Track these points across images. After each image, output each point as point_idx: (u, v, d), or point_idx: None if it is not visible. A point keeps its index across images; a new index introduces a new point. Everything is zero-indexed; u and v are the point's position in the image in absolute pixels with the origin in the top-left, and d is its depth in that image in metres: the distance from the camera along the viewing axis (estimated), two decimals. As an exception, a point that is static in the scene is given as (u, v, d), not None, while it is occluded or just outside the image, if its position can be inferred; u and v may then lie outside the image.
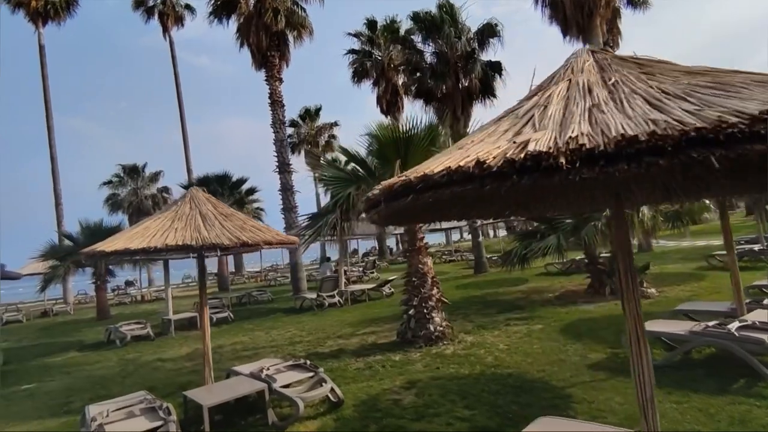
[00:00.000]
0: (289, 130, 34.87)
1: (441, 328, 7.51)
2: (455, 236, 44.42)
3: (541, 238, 11.31)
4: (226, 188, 21.78)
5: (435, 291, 7.74)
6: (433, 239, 48.76)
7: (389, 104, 24.60)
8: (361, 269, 20.51)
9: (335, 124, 35.73)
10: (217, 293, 20.26)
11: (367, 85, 25.12)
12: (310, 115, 34.18)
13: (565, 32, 19.00)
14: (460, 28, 17.56)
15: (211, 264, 32.72)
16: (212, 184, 21.16)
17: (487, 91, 18.16)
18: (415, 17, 17.79)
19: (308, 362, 5.40)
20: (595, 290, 10.37)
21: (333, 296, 12.69)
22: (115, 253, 4.12)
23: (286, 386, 4.87)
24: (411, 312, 7.50)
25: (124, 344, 10.01)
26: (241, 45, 18.20)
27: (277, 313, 12.77)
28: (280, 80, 17.80)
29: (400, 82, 24.60)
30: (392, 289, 14.15)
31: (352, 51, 24.53)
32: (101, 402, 4.85)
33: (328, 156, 32.27)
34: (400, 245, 41.34)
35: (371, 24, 23.99)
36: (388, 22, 23.81)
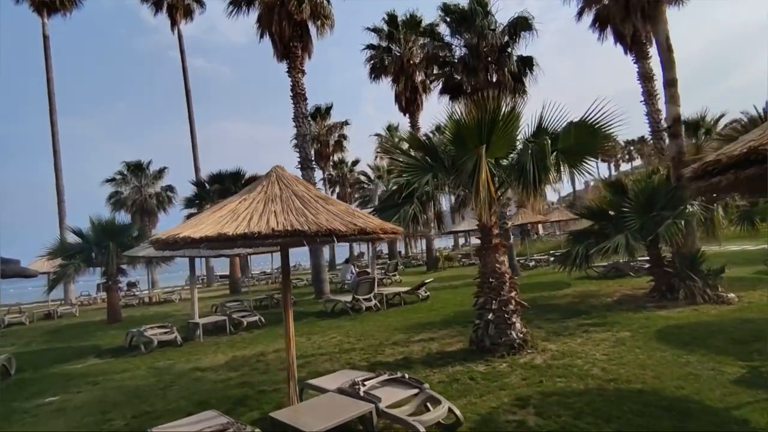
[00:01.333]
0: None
1: (522, 335, 6.68)
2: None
3: (596, 238, 10.60)
4: (239, 186, 20.86)
5: (513, 293, 6.90)
6: (441, 243, 48.04)
7: (408, 102, 23.87)
8: (382, 272, 19.63)
9: (346, 123, 34.97)
10: (228, 296, 19.32)
11: (385, 82, 24.41)
12: (320, 113, 33.35)
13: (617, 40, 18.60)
14: (490, 20, 16.83)
15: (220, 264, 31.75)
16: (226, 181, 20.30)
17: (518, 86, 17.40)
18: (446, 8, 17.01)
19: (406, 375, 4.55)
20: (661, 294, 9.57)
21: (370, 299, 11.81)
22: (206, 240, 3.25)
23: (393, 406, 4.00)
24: (490, 317, 6.65)
25: (150, 350, 9.07)
26: (261, 36, 17.41)
27: (309, 317, 11.86)
28: (303, 72, 17.02)
29: (419, 79, 23.93)
30: (428, 293, 13.31)
31: (370, 46, 23.76)
32: (166, 425, 3.95)
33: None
34: (402, 249, 40.48)
35: (391, 18, 23.25)
36: (409, 16, 23.16)
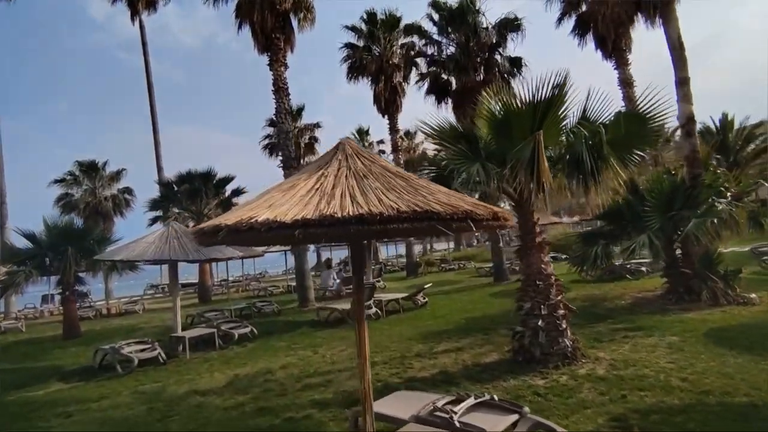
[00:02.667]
0: (268, 130, 32.68)
1: (573, 343, 6.06)
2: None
3: (607, 238, 10.28)
4: (210, 187, 19.44)
5: (561, 297, 6.28)
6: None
7: (387, 103, 23.23)
8: (365, 277, 18.70)
9: (317, 125, 33.85)
10: (199, 306, 17.76)
11: (363, 82, 23.67)
12: (291, 114, 32.00)
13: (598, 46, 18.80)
14: (480, 19, 16.53)
15: (186, 271, 29.73)
16: (196, 181, 18.80)
17: (508, 86, 17.12)
18: (435, 5, 16.56)
19: (496, 397, 3.76)
20: (678, 296, 9.30)
21: (370, 306, 10.91)
22: (303, 224, 2.32)
23: (501, 439, 3.20)
24: (539, 323, 5.97)
25: (129, 371, 7.74)
26: (240, 27, 16.24)
27: (302, 327, 10.80)
28: (285, 65, 15.96)
29: (398, 80, 23.37)
30: (426, 299, 12.56)
31: (349, 45, 22.99)
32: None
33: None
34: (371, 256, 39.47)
35: (371, 17, 22.60)
36: (388, 15, 22.60)
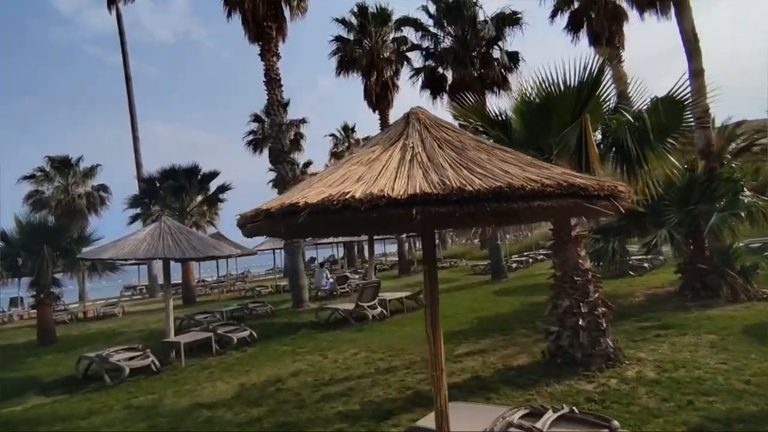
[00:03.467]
0: (253, 126, 31.72)
1: (614, 343, 5.65)
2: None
3: (617, 234, 10.03)
4: (195, 182, 18.52)
5: (598, 294, 5.87)
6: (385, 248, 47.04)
7: (378, 98, 22.65)
8: (360, 276, 18.13)
9: (303, 121, 33.08)
10: (185, 308, 16.86)
11: (354, 77, 23.04)
12: (284, 106, 31.08)
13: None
14: (478, 12, 16.14)
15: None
16: (181, 178, 17.88)
17: (504, 82, 16.82)
18: (433, -4, 16.10)
19: (575, 409, 3.27)
20: (694, 292, 9.06)
21: (375, 306, 10.35)
22: (366, 203, 1.76)
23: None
24: (579, 322, 5.54)
25: (120, 381, 6.99)
26: (229, 15, 15.42)
27: (302, 329, 10.16)
28: (278, 55, 15.22)
29: (389, 74, 22.85)
30: (430, 298, 12.06)
31: (339, 38, 22.33)
32: None
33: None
34: (345, 254, 38.78)
35: (362, 10, 22.00)
36: (379, 10, 22.05)
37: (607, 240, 9.94)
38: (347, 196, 1.82)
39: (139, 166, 23.80)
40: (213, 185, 19.70)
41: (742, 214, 7.91)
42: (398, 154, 2.30)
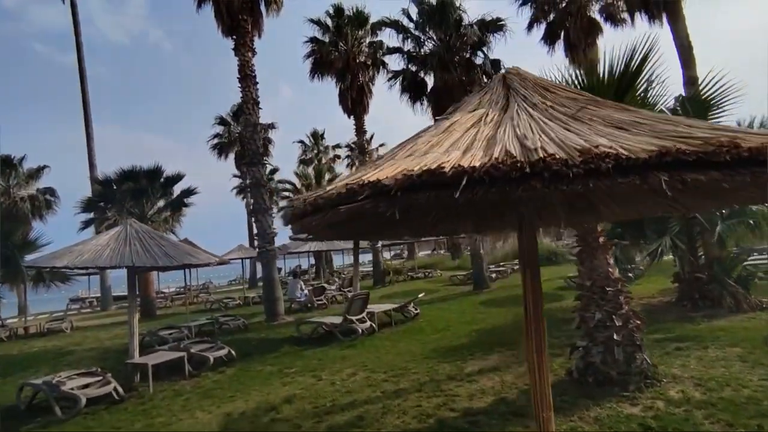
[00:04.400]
0: (218, 129, 30.32)
1: (650, 360, 5.19)
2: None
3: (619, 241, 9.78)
4: (157, 186, 17.14)
5: (629, 306, 5.41)
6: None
7: (354, 102, 22.03)
8: (337, 287, 17.24)
9: (272, 126, 31.95)
10: (144, 322, 15.38)
11: (328, 81, 22.34)
12: (258, 105, 29.82)
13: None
14: (462, 16, 15.90)
15: (121, 281, 26.53)
16: (142, 180, 16.49)
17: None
18: (418, -1, 15.70)
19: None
20: (694, 302, 8.89)
21: (364, 320, 9.57)
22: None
23: None
24: (615, 337, 5.04)
25: (75, 413, 5.86)
26: (200, 5, 14.43)
27: (283, 346, 9.22)
28: (253, 51, 14.32)
29: (366, 79, 22.31)
30: (418, 309, 11.42)
31: (314, 40, 21.61)
32: None
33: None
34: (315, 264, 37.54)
35: (338, 12, 21.41)
36: (355, 12, 21.55)
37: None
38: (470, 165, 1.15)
39: (92, 166, 21.95)
40: (177, 189, 18.39)
41: (751, 222, 7.79)
42: (495, 117, 1.66)
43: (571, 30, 19.38)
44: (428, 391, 5.57)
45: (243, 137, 30.22)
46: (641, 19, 13.45)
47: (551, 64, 22.87)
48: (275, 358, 8.25)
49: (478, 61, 16.48)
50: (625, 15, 19.35)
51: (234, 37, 14.14)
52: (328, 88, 21.36)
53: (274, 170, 39.05)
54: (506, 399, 5.06)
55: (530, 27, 20.60)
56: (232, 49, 14.22)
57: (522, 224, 2.38)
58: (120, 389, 6.35)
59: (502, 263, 22.37)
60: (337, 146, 39.78)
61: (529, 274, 2.36)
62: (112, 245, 6.64)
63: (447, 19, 15.50)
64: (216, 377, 7.20)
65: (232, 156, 30.76)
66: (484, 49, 15.79)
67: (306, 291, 16.42)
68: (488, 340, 8.04)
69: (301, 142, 37.96)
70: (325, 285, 16.53)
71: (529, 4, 20.10)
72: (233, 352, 8.05)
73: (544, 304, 9.37)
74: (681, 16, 9.77)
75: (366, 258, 47.30)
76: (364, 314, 9.67)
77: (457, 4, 15.72)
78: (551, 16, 20.51)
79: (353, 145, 40.68)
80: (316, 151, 38.37)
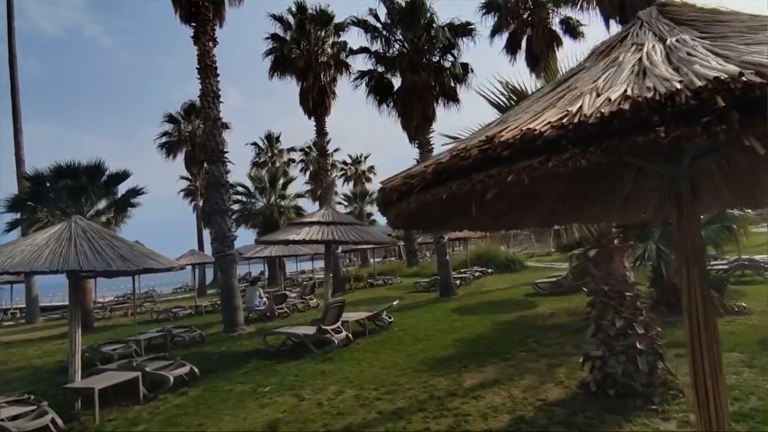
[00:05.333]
0: (167, 126, 28.37)
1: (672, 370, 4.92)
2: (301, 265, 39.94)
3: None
4: (99, 184, 15.49)
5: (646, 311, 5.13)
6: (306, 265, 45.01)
7: (315, 103, 21.27)
8: (298, 294, 16.27)
9: (226, 126, 30.22)
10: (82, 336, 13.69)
11: (288, 80, 21.45)
12: (195, 111, 28.14)
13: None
14: (434, 18, 15.67)
15: (48, 290, 24.01)
16: (81, 177, 14.85)
17: (453, 93, 16.44)
18: (385, -2, 15.29)
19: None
20: (671, 307, 8.94)
21: (339, 330, 8.84)
22: None
23: None
24: (638, 345, 4.71)
25: (0, 454, 4.73)
26: (154, -15, 13.21)
27: (251, 361, 8.30)
28: (215, 41, 13.28)
29: (328, 79, 21.62)
30: (391, 318, 10.82)
31: (275, 37, 20.70)
32: None
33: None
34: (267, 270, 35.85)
35: (300, 9, 20.64)
36: (319, 11, 20.87)
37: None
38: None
39: (20, 162, 19.59)
40: (122, 188, 16.71)
41: (734, 227, 7.92)
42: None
43: (534, 40, 19.84)
44: (432, 411, 4.99)
45: (194, 135, 28.62)
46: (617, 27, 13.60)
47: (513, 72, 23.18)
48: (244, 374, 7.34)
49: (447, 64, 16.31)
50: (583, 29, 20.20)
51: (193, 24, 13.05)
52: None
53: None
54: (524, 418, 4.58)
55: (493, 35, 20.91)
56: (191, 36, 13.11)
57: (681, 205, 1.87)
58: (59, 421, 5.26)
59: (462, 270, 22.29)
60: (292, 149, 38.62)
61: (695, 275, 1.84)
62: (52, 246, 5.55)
63: (417, 20, 15.21)
64: (178, 400, 6.22)
65: (181, 157, 28.83)
66: (454, 52, 15.53)
67: (265, 299, 15.37)
68: (476, 351, 7.59)
69: (255, 144, 36.45)
70: (287, 292, 15.53)
71: (493, 13, 20.45)
72: (196, 370, 7.05)
73: (517, 313, 9.07)
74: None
75: (317, 264, 46.07)
76: (339, 324, 8.94)
77: (428, 5, 15.46)
78: (511, 26, 20.95)
79: (309, 149, 39.78)
80: (270, 154, 36.99)
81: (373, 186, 45.93)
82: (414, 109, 15.45)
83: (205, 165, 12.90)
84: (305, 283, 19.54)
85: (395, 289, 20.82)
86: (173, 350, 10.02)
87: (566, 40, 20.17)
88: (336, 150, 38.40)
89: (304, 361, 7.92)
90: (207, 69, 12.90)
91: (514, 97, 5.32)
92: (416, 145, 16.28)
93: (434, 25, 15.03)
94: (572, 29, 19.97)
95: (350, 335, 8.98)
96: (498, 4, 19.99)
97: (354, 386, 6.16)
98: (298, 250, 17.39)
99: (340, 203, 38.39)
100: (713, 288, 8.58)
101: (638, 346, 4.71)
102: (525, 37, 20.55)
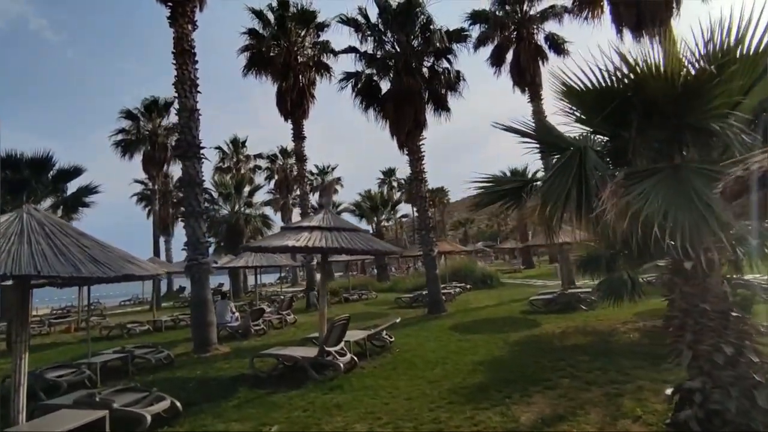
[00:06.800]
0: (124, 123, 26.06)
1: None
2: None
3: (609, 263, 9.19)
4: (46, 179, 13.55)
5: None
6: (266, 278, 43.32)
7: (294, 105, 20.08)
8: (275, 309, 14.75)
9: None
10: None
11: (264, 79, 20.16)
12: (157, 108, 26.06)
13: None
14: (429, 20, 15.01)
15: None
16: (23, 170, 12.91)
17: (444, 100, 15.77)
18: (380, -2, 14.47)
19: None
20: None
21: (344, 352, 7.64)
22: None
23: None
24: (757, 378, 3.92)
25: None
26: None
27: (239, 389, 6.92)
28: (194, 23, 11.93)
29: (307, 80, 20.51)
30: (392, 338, 9.71)
31: (253, 32, 19.44)
32: None
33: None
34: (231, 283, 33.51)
35: (282, 4, 19.54)
36: (300, 10, 19.84)
37: (603, 269, 9.01)
38: None
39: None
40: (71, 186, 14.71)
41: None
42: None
43: (522, 53, 19.72)
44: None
45: (155, 133, 26.41)
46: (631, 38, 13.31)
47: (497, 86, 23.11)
48: (236, 408, 6.00)
49: (439, 70, 15.66)
50: (567, 46, 20.34)
51: (170, 4, 11.66)
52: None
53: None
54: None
55: (477, 46, 20.66)
56: (167, 17, 11.70)
57: None
58: (178, 403, 3.79)
59: (442, 285, 21.45)
60: (259, 156, 36.86)
61: None
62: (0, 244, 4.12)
63: (413, 21, 14.51)
64: (160, 446, 4.83)
65: (137, 158, 26.46)
66: (450, 57, 14.91)
67: (237, 314, 13.84)
68: (508, 377, 6.62)
69: (219, 148, 34.47)
70: (265, 307, 14.03)
71: (479, 24, 20.20)
72: (178, 404, 5.63)
73: (523, 332, 8.06)
74: (671, 38, 9.71)
75: (271, 278, 43.84)
76: (342, 344, 7.75)
77: (423, 5, 14.78)
78: (497, 38, 20.80)
79: (275, 156, 38.10)
80: (235, 160, 35.08)
81: (341, 197, 44.72)
82: (406, 114, 14.61)
83: (180, 162, 11.32)
84: (282, 297, 17.99)
85: (373, 304, 19.68)
86: (136, 375, 8.44)
87: (551, 55, 20.26)
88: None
89: (306, 390, 6.67)
90: (184, 54, 11.51)
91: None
92: (405, 152, 15.42)
93: (431, 26, 14.31)
94: (557, 45, 20.07)
95: (355, 358, 7.80)
96: (486, 15, 19.82)
97: (386, 424, 5.03)
98: (275, 260, 15.90)
99: (308, 213, 36.79)
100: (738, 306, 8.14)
101: (755, 377, 3.93)
102: (511, 51, 20.46)
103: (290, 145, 38.23)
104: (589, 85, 4.44)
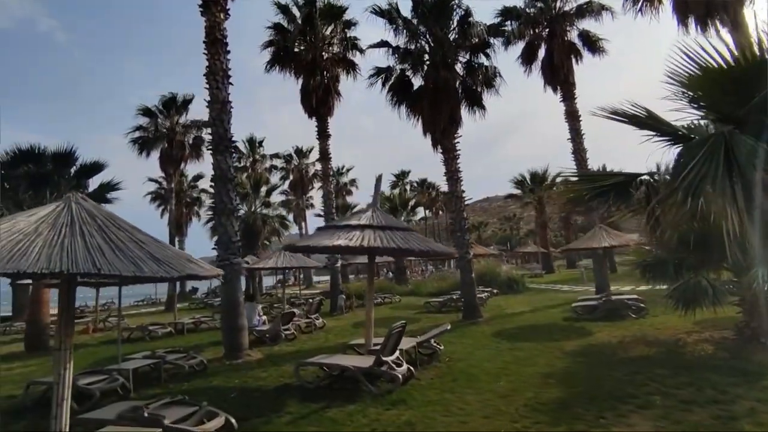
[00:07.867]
0: (142, 120, 25.67)
1: None
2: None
3: (677, 268, 8.50)
4: (68, 173, 13.09)
5: None
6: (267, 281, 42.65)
7: (319, 102, 19.50)
8: (303, 313, 14.13)
9: (206, 124, 27.91)
10: (33, 359, 11.16)
11: (287, 76, 19.60)
12: (175, 105, 25.64)
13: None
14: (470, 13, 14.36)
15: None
16: (47, 164, 12.43)
17: (480, 97, 15.13)
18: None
19: None
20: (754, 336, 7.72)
21: (400, 362, 6.98)
22: None
23: None
24: None
25: None
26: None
27: (287, 402, 6.28)
28: (226, 12, 11.38)
29: (333, 76, 19.94)
30: (442, 346, 9.05)
31: (278, 27, 18.92)
32: None
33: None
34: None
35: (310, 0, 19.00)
36: (326, 4, 19.32)
37: (671, 274, 8.33)
38: None
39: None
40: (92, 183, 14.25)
41: None
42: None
43: (555, 51, 19.01)
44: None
45: (173, 131, 25.96)
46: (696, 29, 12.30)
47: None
48: (291, 425, 5.38)
49: (475, 65, 15.02)
50: (603, 44, 19.61)
51: (198, -9, 11.14)
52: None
53: (198, 176, 34.77)
54: None
55: (507, 43, 19.96)
56: (198, 6, 11.18)
57: None
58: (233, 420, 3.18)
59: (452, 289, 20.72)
60: (276, 156, 36.42)
61: None
62: (46, 234, 3.54)
63: (449, 13, 13.89)
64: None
65: (156, 153, 26.03)
66: (489, 51, 14.28)
67: (264, 318, 13.26)
68: (587, 392, 5.94)
69: (236, 147, 33.98)
70: (295, 310, 13.43)
71: (510, 20, 19.51)
72: (233, 421, 5.01)
73: (576, 341, 7.16)
74: (743, 23, 9.03)
75: (270, 280, 43.01)
76: (397, 353, 7.10)
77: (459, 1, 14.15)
78: (528, 35, 20.10)
79: (290, 156, 37.67)
80: (251, 159, 34.65)
81: (354, 199, 44.18)
82: (442, 111, 13.98)
83: (213, 156, 10.76)
84: (311, 300, 17.38)
85: (399, 308, 19.01)
86: (169, 384, 7.85)
87: (585, 53, 19.52)
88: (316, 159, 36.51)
89: (364, 404, 6.02)
90: (216, 43, 10.97)
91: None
92: (439, 151, 14.78)
93: (470, 19, 13.68)
94: (592, 43, 19.34)
95: (412, 369, 7.15)
96: (518, 11, 19.15)
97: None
98: (305, 262, 15.30)
99: (318, 215, 36.44)
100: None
101: None
102: (542, 48, 19.77)
103: (305, 146, 37.96)
104: (724, 64, 3.81)
